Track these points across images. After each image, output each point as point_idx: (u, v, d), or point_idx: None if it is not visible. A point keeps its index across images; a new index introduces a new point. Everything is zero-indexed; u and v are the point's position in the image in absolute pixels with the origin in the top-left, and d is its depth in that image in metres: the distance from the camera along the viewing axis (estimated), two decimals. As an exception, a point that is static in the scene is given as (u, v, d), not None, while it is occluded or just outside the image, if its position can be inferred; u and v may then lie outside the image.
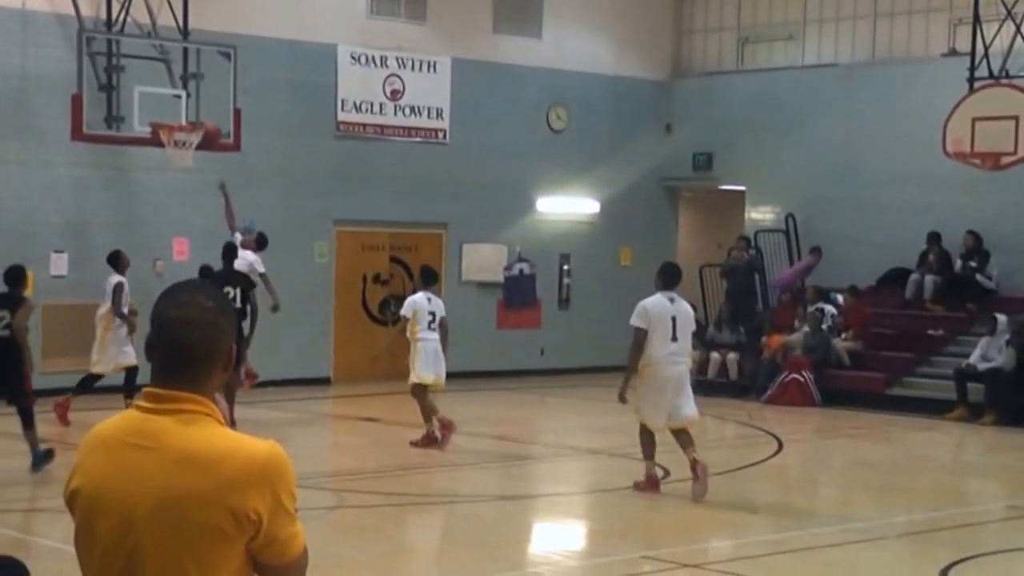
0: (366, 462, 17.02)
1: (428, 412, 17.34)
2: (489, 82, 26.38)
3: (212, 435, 3.58)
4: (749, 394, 23.80)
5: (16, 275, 15.88)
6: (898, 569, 11.86)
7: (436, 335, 17.26)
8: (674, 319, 14.09)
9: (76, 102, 19.68)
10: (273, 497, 3.55)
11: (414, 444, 17.39)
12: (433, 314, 17.27)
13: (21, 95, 21.58)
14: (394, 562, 11.52)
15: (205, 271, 19.86)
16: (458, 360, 22.50)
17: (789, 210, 26.60)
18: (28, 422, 15.07)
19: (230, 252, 19.03)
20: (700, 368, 25.15)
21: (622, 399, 14.30)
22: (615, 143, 27.91)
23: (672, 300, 14.22)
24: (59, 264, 21.49)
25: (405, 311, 17.14)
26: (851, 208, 25.67)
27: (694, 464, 14.05)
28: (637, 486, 14.57)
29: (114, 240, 22.32)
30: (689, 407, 14.29)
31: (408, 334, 17.29)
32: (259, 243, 20.83)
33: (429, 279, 17.46)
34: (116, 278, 18.97)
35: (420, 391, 17.33)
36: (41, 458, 14.95)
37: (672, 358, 14.06)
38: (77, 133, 19.94)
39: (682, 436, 14.27)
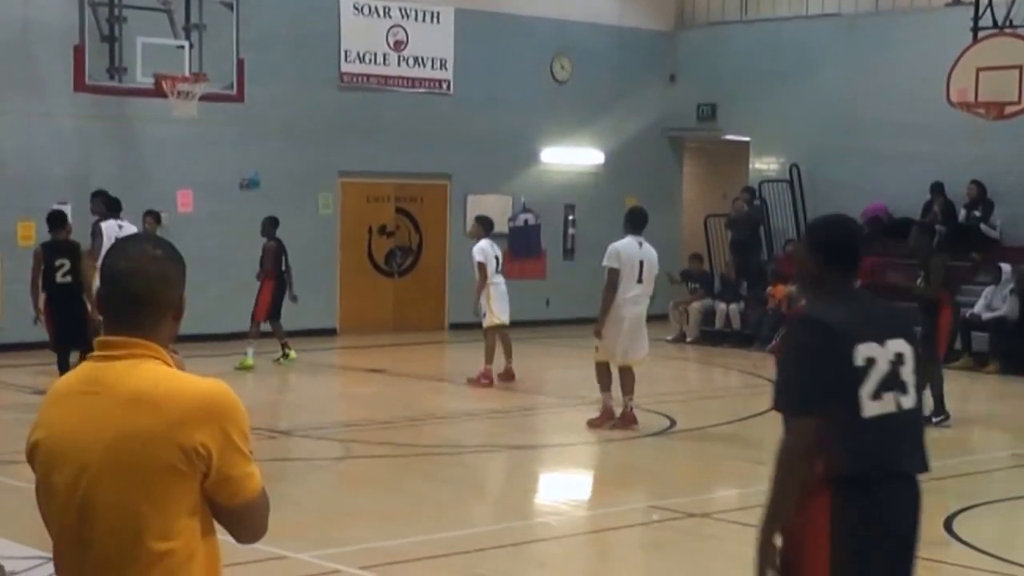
0: (373, 413, 17.06)
1: (491, 352, 18.72)
2: (493, 32, 26.30)
3: (159, 376, 3.68)
4: (753, 344, 23.84)
5: (62, 220, 16.13)
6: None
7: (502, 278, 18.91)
8: (641, 263, 14.92)
9: (78, 53, 19.65)
10: (222, 433, 3.63)
11: (472, 382, 18.76)
12: (498, 258, 18.86)
13: (23, 46, 21.54)
14: (401, 512, 11.56)
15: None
16: (463, 311, 22.59)
17: (793, 160, 26.57)
18: None
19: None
20: (705, 318, 25.25)
21: (598, 335, 15.20)
22: (619, 94, 27.85)
23: (640, 244, 15.01)
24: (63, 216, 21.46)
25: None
26: (855, 158, 25.64)
27: (626, 411, 15.23)
28: (591, 423, 15.43)
29: (117, 191, 22.31)
30: (641, 348, 15.36)
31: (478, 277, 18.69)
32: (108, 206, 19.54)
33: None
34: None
35: (493, 331, 18.76)
36: None
37: (635, 299, 14.97)
38: (80, 84, 19.91)
39: (626, 376, 15.24)
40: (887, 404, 5.39)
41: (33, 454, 3.75)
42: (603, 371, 15.40)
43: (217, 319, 22.48)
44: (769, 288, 24.55)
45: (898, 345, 5.43)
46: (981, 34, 22.33)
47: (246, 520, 3.79)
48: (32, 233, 21.02)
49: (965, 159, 23.90)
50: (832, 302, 5.49)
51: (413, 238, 26.00)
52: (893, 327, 5.54)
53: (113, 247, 3.85)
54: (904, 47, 25.29)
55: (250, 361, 19.75)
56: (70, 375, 3.83)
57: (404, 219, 25.96)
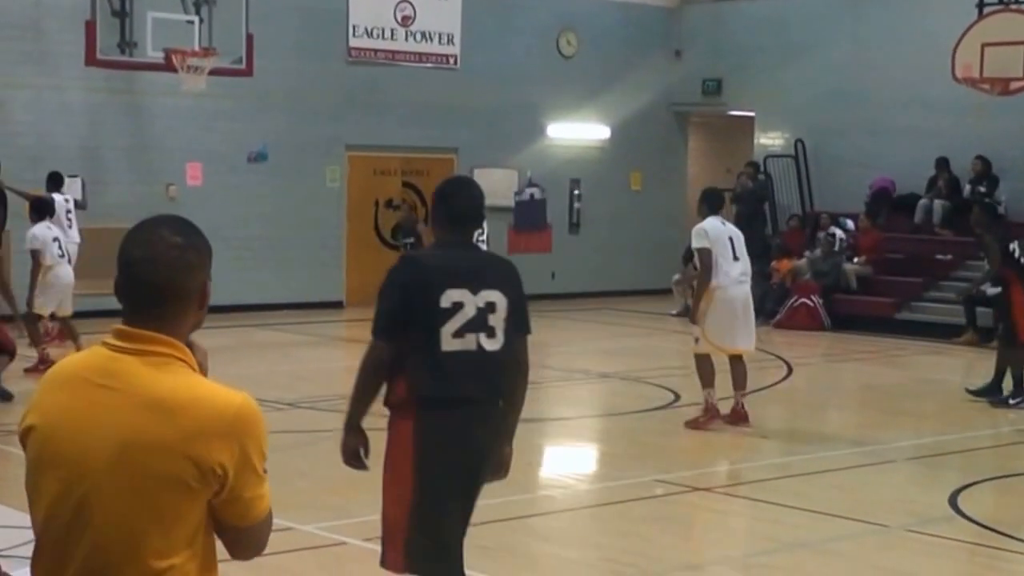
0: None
1: None
2: (499, 8, 26.36)
3: (181, 381, 3.40)
4: (758, 318, 23.84)
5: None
6: (908, 492, 12.01)
7: None
8: (731, 239, 13.82)
9: (90, 28, 19.75)
10: (241, 452, 3.39)
11: None
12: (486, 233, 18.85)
13: (35, 21, 21.66)
14: (409, 484, 11.64)
15: None
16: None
17: (798, 135, 26.63)
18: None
19: None
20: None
21: (695, 321, 13.82)
22: (625, 69, 27.89)
23: (723, 223, 13.96)
24: (73, 188, 21.56)
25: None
26: (860, 133, 25.70)
27: (737, 408, 14.07)
28: (695, 424, 14.08)
29: (127, 164, 22.48)
30: (752, 337, 14.13)
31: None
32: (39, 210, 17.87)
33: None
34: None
35: None
36: None
37: (740, 278, 13.77)
38: (91, 59, 20.00)
39: (738, 368, 14.01)
40: (468, 343, 6.27)
41: (26, 438, 3.47)
42: (706, 364, 13.96)
43: (223, 292, 22.54)
44: (773, 263, 24.63)
45: (492, 295, 6.28)
46: (986, 10, 22.42)
47: (247, 541, 3.56)
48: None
49: (970, 134, 23.95)
50: (439, 251, 6.43)
51: (419, 212, 26.09)
52: (491, 279, 6.35)
53: (129, 233, 3.51)
54: (909, 22, 25.32)
55: None
56: (78, 358, 3.52)
57: (410, 192, 26.05)
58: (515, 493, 11.47)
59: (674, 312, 24.60)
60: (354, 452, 6.72)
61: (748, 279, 14.05)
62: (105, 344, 3.46)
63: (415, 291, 6.17)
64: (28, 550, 3.61)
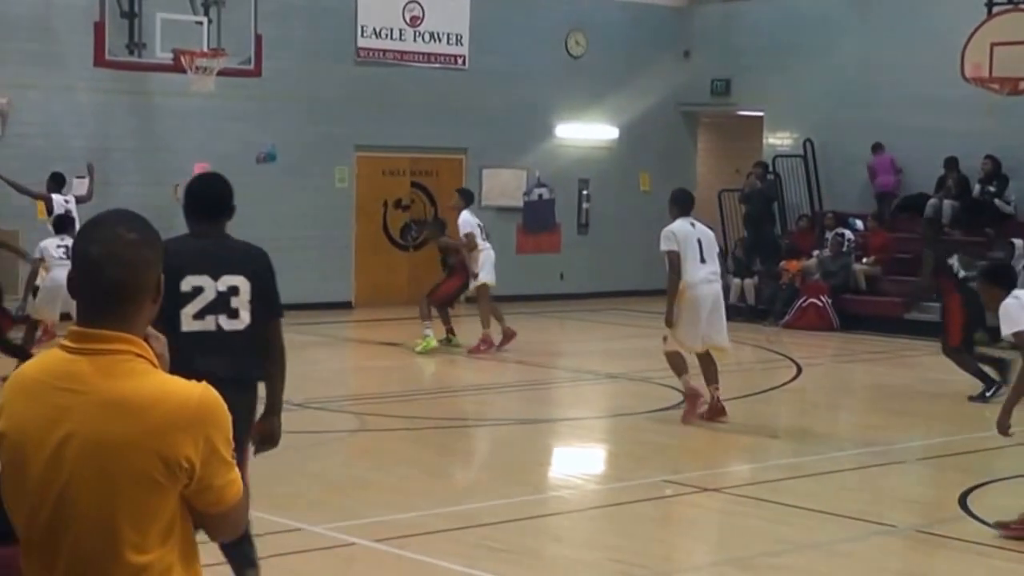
0: (387, 386, 17.17)
1: (487, 317, 19.32)
2: (508, 8, 26.36)
3: (142, 379, 3.42)
4: (767, 319, 23.92)
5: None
6: (918, 493, 12.00)
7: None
8: (699, 241, 14.07)
9: (99, 29, 19.75)
10: (206, 443, 3.40)
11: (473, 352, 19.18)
12: (481, 226, 19.60)
13: (45, 21, 21.69)
14: (415, 484, 11.66)
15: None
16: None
17: (807, 135, 26.60)
18: None
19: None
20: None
21: (669, 323, 14.04)
22: (634, 69, 27.87)
23: (693, 224, 14.19)
24: (81, 188, 21.60)
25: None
26: (869, 133, 25.62)
27: (714, 402, 14.15)
28: (688, 416, 14.20)
29: (136, 165, 22.48)
30: (723, 334, 14.30)
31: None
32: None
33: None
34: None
35: (484, 295, 19.38)
36: None
37: (707, 279, 14.03)
38: (100, 59, 20.00)
39: (710, 366, 14.18)
40: (207, 324, 6.91)
41: None
42: (677, 357, 14.23)
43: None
44: (782, 263, 24.62)
45: (235, 280, 6.94)
46: (995, 9, 22.37)
47: (223, 524, 3.57)
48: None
49: (979, 134, 23.89)
50: (186, 240, 7.03)
51: (428, 212, 26.10)
52: (235, 266, 7.04)
53: (82, 229, 3.54)
54: (918, 22, 25.28)
55: (433, 342, 19.25)
56: (34, 364, 3.52)
57: (419, 193, 26.06)
58: (525, 493, 11.49)
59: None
60: None
61: (717, 278, 14.33)
62: (62, 347, 3.47)
63: None
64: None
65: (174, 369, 3.52)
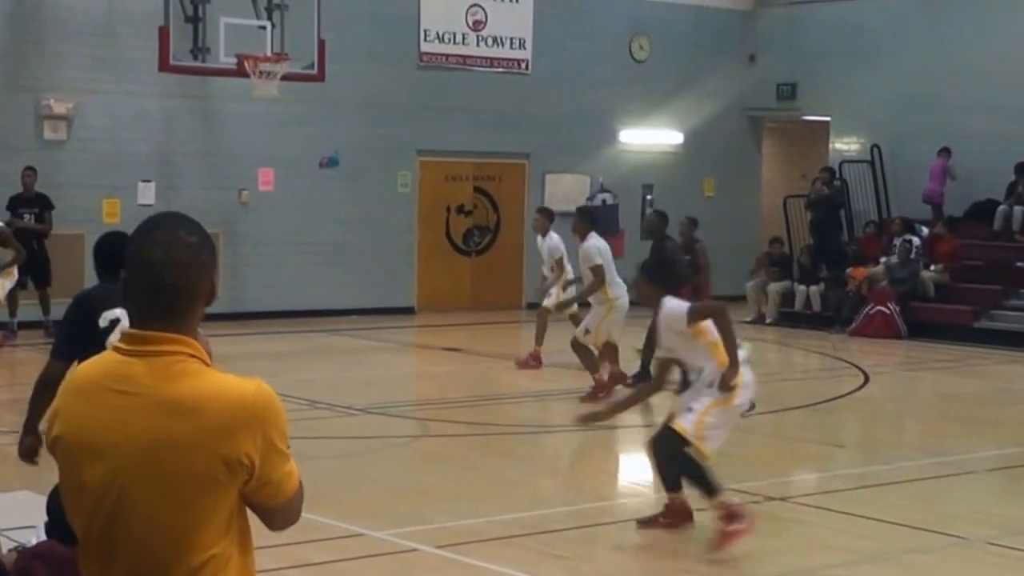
0: (450, 391, 17.12)
1: (542, 334, 18.86)
2: (571, 12, 26.27)
3: (197, 379, 3.43)
4: (833, 326, 23.67)
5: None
6: (988, 503, 11.78)
7: None
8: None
9: (163, 34, 19.80)
10: (264, 439, 3.42)
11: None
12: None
13: (109, 27, 21.81)
14: (477, 490, 11.59)
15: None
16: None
17: (874, 140, 26.36)
18: None
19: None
20: (785, 300, 25.07)
21: (560, 308, 17.53)
22: (698, 73, 27.71)
23: (600, 239, 16.42)
24: (146, 193, 21.70)
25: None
26: (938, 138, 25.35)
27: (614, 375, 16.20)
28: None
29: (200, 170, 22.54)
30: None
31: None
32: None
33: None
34: None
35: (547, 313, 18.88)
36: None
37: (625, 290, 16.11)
38: (164, 65, 20.04)
39: (612, 351, 16.33)
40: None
41: (56, 447, 3.52)
42: (587, 352, 16.50)
43: (295, 297, 22.68)
44: (849, 270, 24.37)
45: (119, 313, 7.35)
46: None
47: (281, 516, 3.60)
48: (117, 210, 21.30)
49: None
50: (106, 284, 7.65)
51: (491, 217, 26.03)
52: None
53: (139, 231, 3.53)
54: (984, 24, 25.03)
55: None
56: (91, 365, 3.55)
57: (482, 198, 25.98)
58: (589, 501, 11.39)
59: (748, 319, 24.35)
60: (30, 450, 7.68)
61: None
62: (118, 350, 3.50)
63: (78, 317, 7.59)
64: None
65: None
